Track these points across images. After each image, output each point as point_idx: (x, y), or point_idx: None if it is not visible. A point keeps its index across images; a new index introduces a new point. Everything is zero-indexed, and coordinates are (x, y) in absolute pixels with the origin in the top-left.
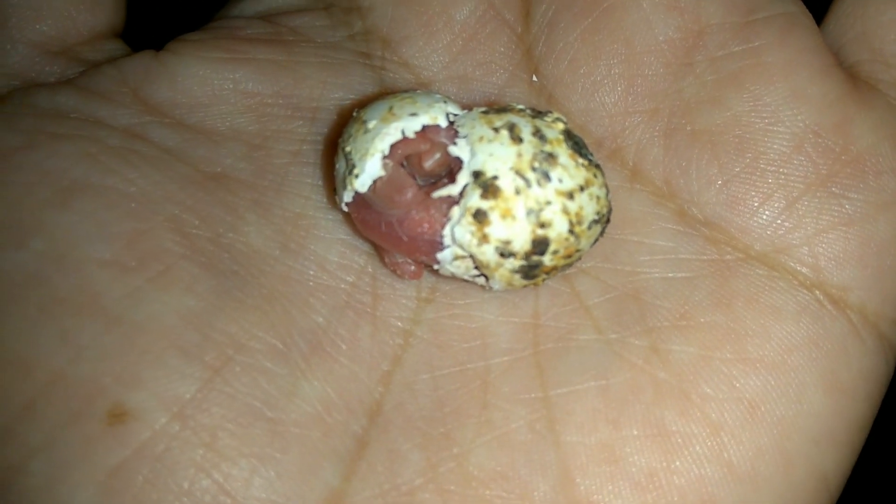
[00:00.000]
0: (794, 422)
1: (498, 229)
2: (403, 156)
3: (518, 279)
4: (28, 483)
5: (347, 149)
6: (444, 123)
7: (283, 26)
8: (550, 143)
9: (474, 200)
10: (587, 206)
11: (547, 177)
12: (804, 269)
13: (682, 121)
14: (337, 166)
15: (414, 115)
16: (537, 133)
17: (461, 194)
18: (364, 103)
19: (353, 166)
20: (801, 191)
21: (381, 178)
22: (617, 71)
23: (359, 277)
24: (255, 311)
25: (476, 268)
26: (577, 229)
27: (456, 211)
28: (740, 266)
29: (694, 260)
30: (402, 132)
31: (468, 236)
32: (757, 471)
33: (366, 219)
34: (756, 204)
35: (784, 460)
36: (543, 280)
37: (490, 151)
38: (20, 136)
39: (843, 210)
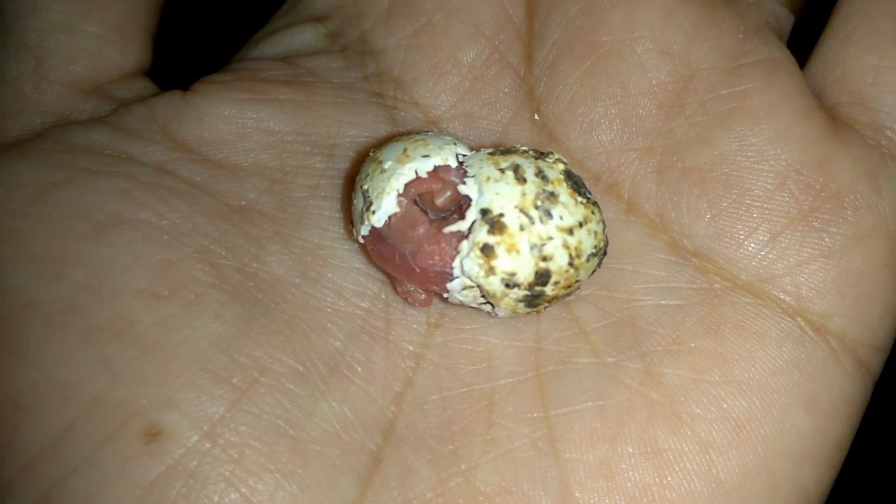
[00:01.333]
0: (778, 440)
1: (504, 262)
2: (417, 194)
3: (522, 307)
4: (69, 498)
5: (365, 187)
6: (453, 164)
7: (301, 67)
8: (552, 182)
9: (482, 236)
10: (586, 240)
11: (549, 214)
12: (787, 298)
13: (674, 158)
14: (354, 202)
15: (426, 156)
16: (539, 173)
17: (469, 230)
18: (378, 142)
19: (371, 203)
20: (784, 225)
21: (395, 214)
22: (613, 111)
23: (373, 304)
24: (277, 336)
25: (483, 296)
26: (576, 262)
27: (465, 245)
28: (728, 294)
29: (685, 288)
30: (416, 172)
31: (476, 268)
32: (743, 486)
33: (381, 251)
34: (742, 237)
35: (769, 477)
36: (545, 308)
37: (496, 191)
38: (58, 171)
39: (824, 243)
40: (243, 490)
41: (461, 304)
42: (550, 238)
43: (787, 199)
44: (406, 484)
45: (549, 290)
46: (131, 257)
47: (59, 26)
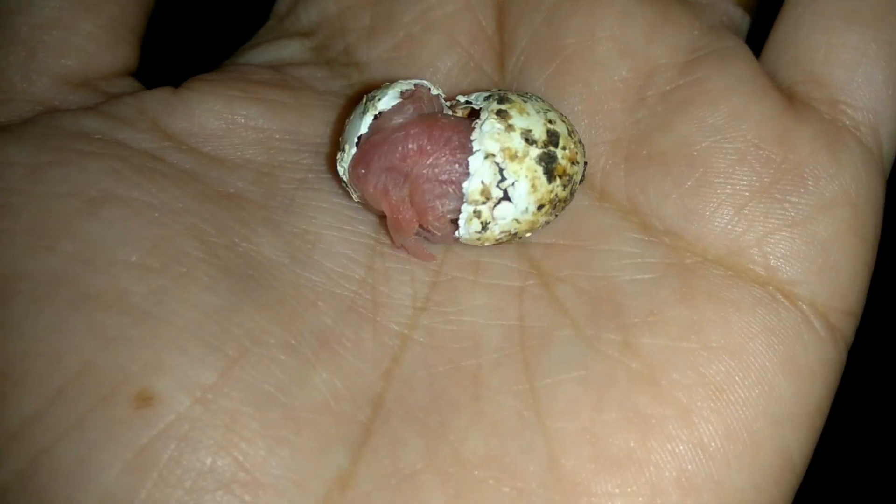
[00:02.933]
0: (758, 403)
1: (519, 121)
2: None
3: (541, 173)
4: (57, 464)
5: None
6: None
7: (289, 74)
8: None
9: (494, 105)
10: (568, 123)
11: (540, 101)
12: (757, 268)
13: (638, 146)
14: (349, 122)
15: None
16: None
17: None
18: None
19: (374, 97)
20: (748, 198)
21: (398, 104)
22: (579, 108)
23: (360, 286)
24: (268, 310)
25: (497, 199)
26: (574, 137)
27: (482, 115)
28: (699, 267)
29: (658, 263)
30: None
31: (497, 125)
32: (727, 449)
33: (381, 159)
34: (708, 213)
35: (751, 438)
36: (565, 195)
37: (495, 94)
38: (49, 152)
39: (787, 213)
40: (235, 454)
41: (463, 238)
42: (548, 109)
43: (748, 173)
44: (396, 454)
45: (559, 155)
46: (123, 232)
47: (53, 22)
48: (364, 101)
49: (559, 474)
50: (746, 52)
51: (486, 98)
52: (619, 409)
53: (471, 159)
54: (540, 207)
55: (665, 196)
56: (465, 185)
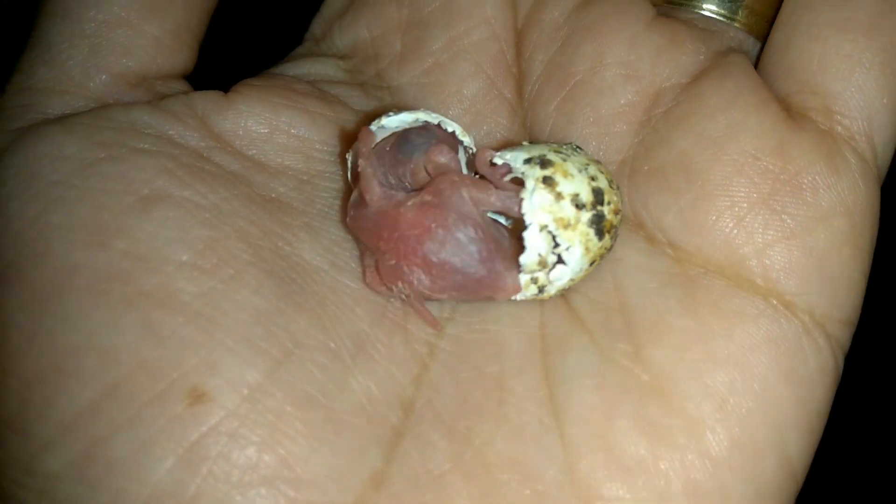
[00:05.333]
0: (761, 413)
1: (565, 185)
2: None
3: (593, 235)
4: (113, 455)
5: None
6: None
7: (327, 91)
8: (559, 145)
9: (538, 172)
10: (606, 172)
11: (576, 150)
12: (757, 280)
13: (641, 162)
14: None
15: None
16: (552, 144)
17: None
18: None
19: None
20: (746, 210)
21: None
22: (587, 132)
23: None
24: (309, 314)
25: (550, 260)
26: (613, 186)
27: (529, 184)
28: (702, 278)
29: (663, 273)
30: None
31: (547, 196)
32: (732, 458)
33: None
34: (708, 225)
35: (754, 447)
36: (611, 240)
37: (528, 149)
38: (101, 148)
39: (786, 224)
40: (280, 452)
41: (520, 299)
42: (587, 164)
43: (746, 184)
44: (426, 455)
45: (606, 212)
46: (175, 231)
47: (121, 21)
48: (382, 115)
49: (575, 478)
50: (747, 66)
51: (527, 161)
52: (630, 417)
53: (525, 234)
54: (592, 263)
55: (665, 209)
56: (521, 257)
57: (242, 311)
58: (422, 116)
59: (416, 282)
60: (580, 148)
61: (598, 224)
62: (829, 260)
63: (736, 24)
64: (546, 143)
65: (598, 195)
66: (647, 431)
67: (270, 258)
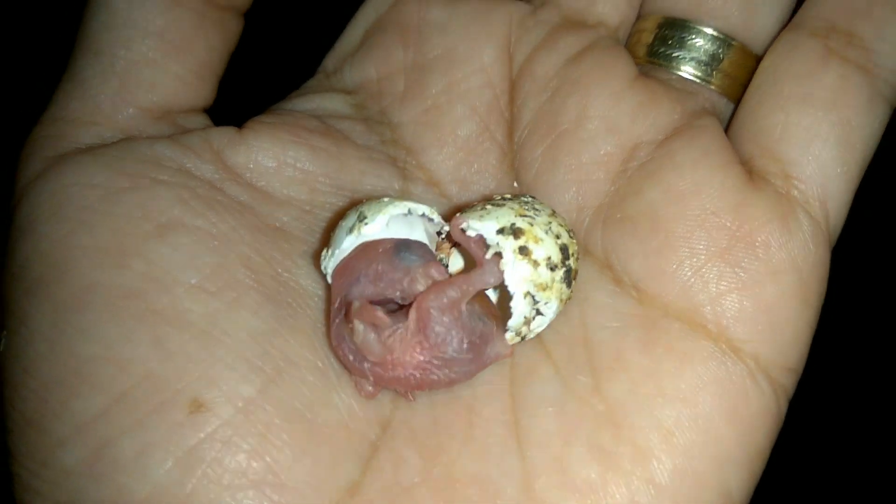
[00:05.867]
0: (704, 447)
1: (538, 251)
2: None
3: (565, 288)
4: (119, 454)
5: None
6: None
7: (332, 126)
8: (517, 202)
9: (513, 242)
10: (564, 224)
11: (537, 211)
12: (709, 325)
13: (614, 210)
14: (338, 227)
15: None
16: (505, 200)
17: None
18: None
19: (364, 218)
20: (704, 261)
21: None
22: (569, 177)
23: None
24: (302, 335)
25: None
26: (571, 234)
27: (507, 254)
28: (660, 320)
29: (626, 314)
30: (409, 210)
31: (526, 267)
32: (675, 486)
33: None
34: (669, 272)
35: (696, 478)
36: (570, 293)
37: (495, 216)
38: (126, 178)
39: (739, 277)
40: (267, 460)
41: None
42: (549, 223)
43: (705, 238)
44: (398, 469)
45: (572, 262)
46: (186, 257)
47: (148, 60)
48: (356, 218)
49: (532, 496)
50: (717, 129)
51: (499, 232)
52: (585, 443)
53: (512, 303)
54: (563, 306)
55: (632, 255)
56: (510, 322)
57: (242, 330)
58: (394, 210)
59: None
60: (533, 197)
61: (568, 277)
62: (776, 311)
63: (711, 86)
64: (502, 197)
65: (564, 252)
66: (599, 457)
67: (270, 283)
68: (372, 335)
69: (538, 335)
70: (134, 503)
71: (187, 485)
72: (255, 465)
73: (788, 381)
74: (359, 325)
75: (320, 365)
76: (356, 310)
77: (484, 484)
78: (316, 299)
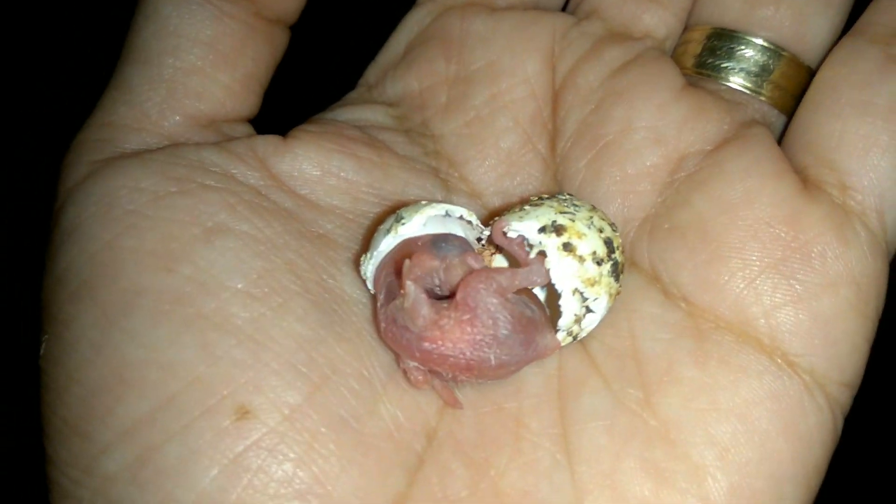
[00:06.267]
0: (760, 463)
1: (582, 246)
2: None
3: (614, 282)
4: (164, 461)
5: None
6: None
7: (374, 137)
8: (558, 200)
9: (556, 239)
10: (605, 217)
11: (576, 206)
12: (764, 338)
13: (662, 221)
14: (377, 232)
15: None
16: (548, 198)
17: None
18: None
19: (401, 218)
20: (757, 272)
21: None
22: (614, 188)
23: None
24: (347, 343)
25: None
26: (613, 227)
27: (551, 252)
28: (712, 333)
29: (676, 325)
30: (447, 212)
31: (572, 263)
32: None
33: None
34: (721, 283)
35: (752, 496)
36: (619, 287)
37: (535, 215)
38: (173, 182)
39: (794, 289)
40: (314, 469)
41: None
42: (590, 217)
43: (759, 249)
44: (445, 482)
45: (618, 255)
46: (233, 261)
47: (195, 70)
48: (393, 219)
49: None
50: (769, 138)
51: (541, 230)
52: (637, 459)
53: (561, 301)
54: (612, 301)
55: (681, 266)
56: (560, 321)
57: (288, 337)
58: (430, 210)
59: (460, 381)
60: (570, 195)
61: (616, 270)
62: (833, 325)
63: (761, 98)
64: (539, 197)
65: (609, 245)
66: (651, 474)
67: (315, 289)
68: (423, 295)
69: (583, 344)
70: None
71: (232, 493)
72: (301, 474)
73: (845, 397)
74: (410, 287)
75: (366, 374)
76: (408, 267)
77: (532, 499)
78: (361, 307)
